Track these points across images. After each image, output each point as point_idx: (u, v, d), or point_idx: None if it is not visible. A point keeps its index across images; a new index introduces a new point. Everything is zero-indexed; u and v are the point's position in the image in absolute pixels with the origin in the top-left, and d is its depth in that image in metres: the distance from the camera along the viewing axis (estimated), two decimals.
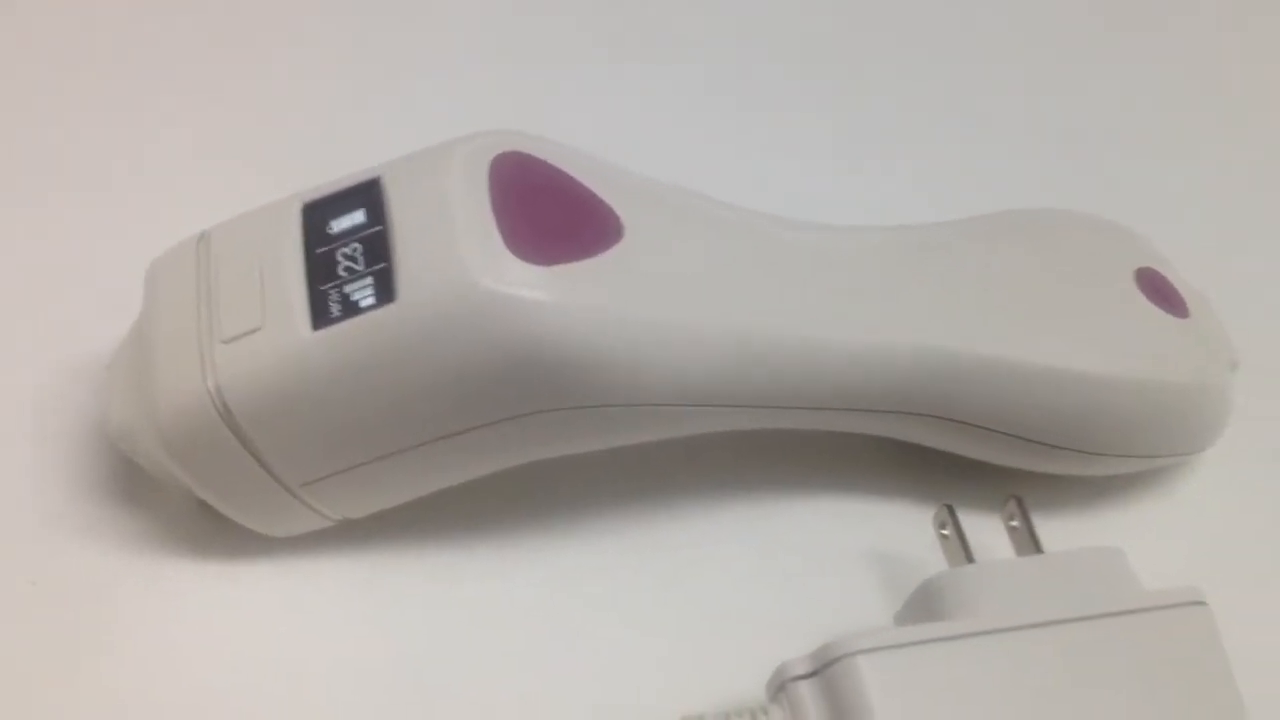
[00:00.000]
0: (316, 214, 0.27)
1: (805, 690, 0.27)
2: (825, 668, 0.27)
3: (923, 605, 0.29)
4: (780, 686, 0.27)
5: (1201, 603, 0.29)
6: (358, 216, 0.27)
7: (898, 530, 0.32)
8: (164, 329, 0.27)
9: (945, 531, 0.31)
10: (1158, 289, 0.33)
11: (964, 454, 0.32)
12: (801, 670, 0.27)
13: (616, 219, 0.27)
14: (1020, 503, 0.31)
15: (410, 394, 0.26)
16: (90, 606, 0.29)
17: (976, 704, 0.27)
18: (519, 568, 0.30)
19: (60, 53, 0.40)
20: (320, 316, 0.26)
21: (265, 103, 0.40)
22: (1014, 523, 0.31)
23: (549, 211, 0.27)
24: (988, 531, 0.31)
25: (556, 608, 0.30)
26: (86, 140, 0.38)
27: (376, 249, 0.26)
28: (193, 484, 0.27)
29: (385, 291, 0.25)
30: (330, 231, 0.27)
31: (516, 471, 0.30)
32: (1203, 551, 0.33)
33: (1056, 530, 0.30)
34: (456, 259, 0.25)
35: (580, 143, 0.29)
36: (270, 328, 0.26)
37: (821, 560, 0.32)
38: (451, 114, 0.37)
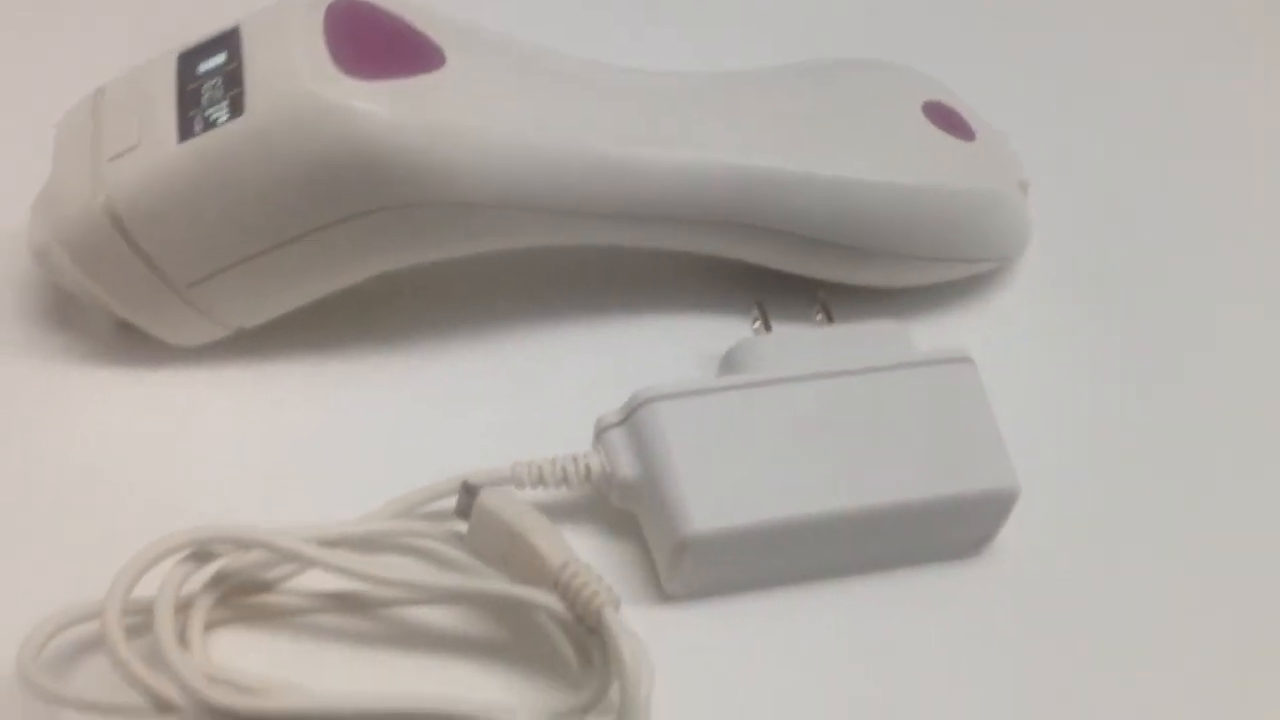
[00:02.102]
0: (189, 60, 0.33)
1: (616, 436, 0.32)
2: (631, 414, 0.32)
3: (725, 369, 0.34)
4: (598, 435, 0.32)
5: (968, 359, 0.33)
6: (220, 58, 0.32)
7: (715, 333, 0.36)
8: (65, 160, 0.32)
9: (756, 325, 0.36)
10: (944, 118, 0.38)
11: (779, 266, 0.37)
12: (614, 420, 0.32)
13: (439, 49, 0.33)
14: (823, 294, 0.36)
15: (262, 194, 0.31)
16: (23, 412, 0.34)
17: (761, 444, 0.31)
18: (387, 373, 0.36)
19: None
20: (185, 132, 0.31)
21: None
22: (819, 317, 0.36)
23: (376, 41, 0.32)
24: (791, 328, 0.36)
25: (417, 403, 0.35)
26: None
27: (233, 79, 0.31)
28: (99, 291, 0.33)
29: (237, 108, 0.31)
30: (198, 72, 0.32)
31: (380, 290, 0.35)
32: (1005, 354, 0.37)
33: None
34: (292, 75, 0.30)
35: None
36: (145, 144, 0.31)
37: (647, 360, 0.36)
38: None
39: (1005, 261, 0.39)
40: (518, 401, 0.35)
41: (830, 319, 0.36)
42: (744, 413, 0.32)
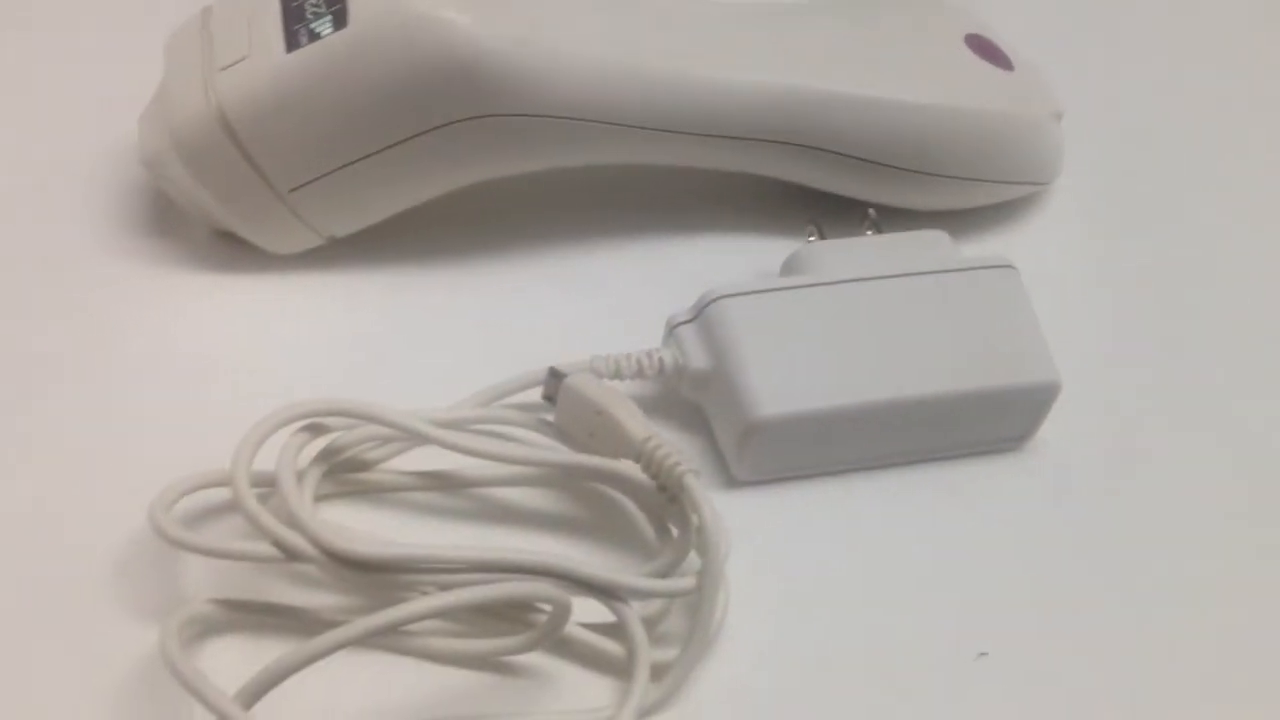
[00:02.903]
0: None
1: (686, 331, 0.35)
2: (701, 311, 0.34)
3: (785, 273, 0.37)
4: (670, 332, 0.35)
5: (1011, 266, 0.36)
6: None
7: (774, 251, 0.38)
8: (177, 71, 0.35)
9: (811, 238, 0.38)
10: (984, 50, 0.41)
11: (831, 188, 0.39)
12: (684, 317, 0.35)
13: None
14: (872, 212, 0.38)
15: (362, 101, 0.33)
16: (130, 309, 0.37)
17: (821, 339, 0.34)
18: (467, 281, 0.38)
19: None
20: (292, 43, 0.33)
21: None
22: (868, 231, 0.38)
23: None
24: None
25: (490, 312, 0.38)
26: None
27: None
28: (206, 196, 0.35)
29: (340, 22, 0.33)
30: None
31: (462, 206, 0.38)
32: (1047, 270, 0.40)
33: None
34: None
35: None
36: (255, 55, 0.34)
37: (715, 277, 0.38)
38: None
39: (1040, 186, 0.42)
40: (586, 307, 0.38)
41: (876, 224, 0.38)
42: (805, 310, 0.34)
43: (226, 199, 0.35)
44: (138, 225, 0.38)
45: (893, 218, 0.39)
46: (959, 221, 0.40)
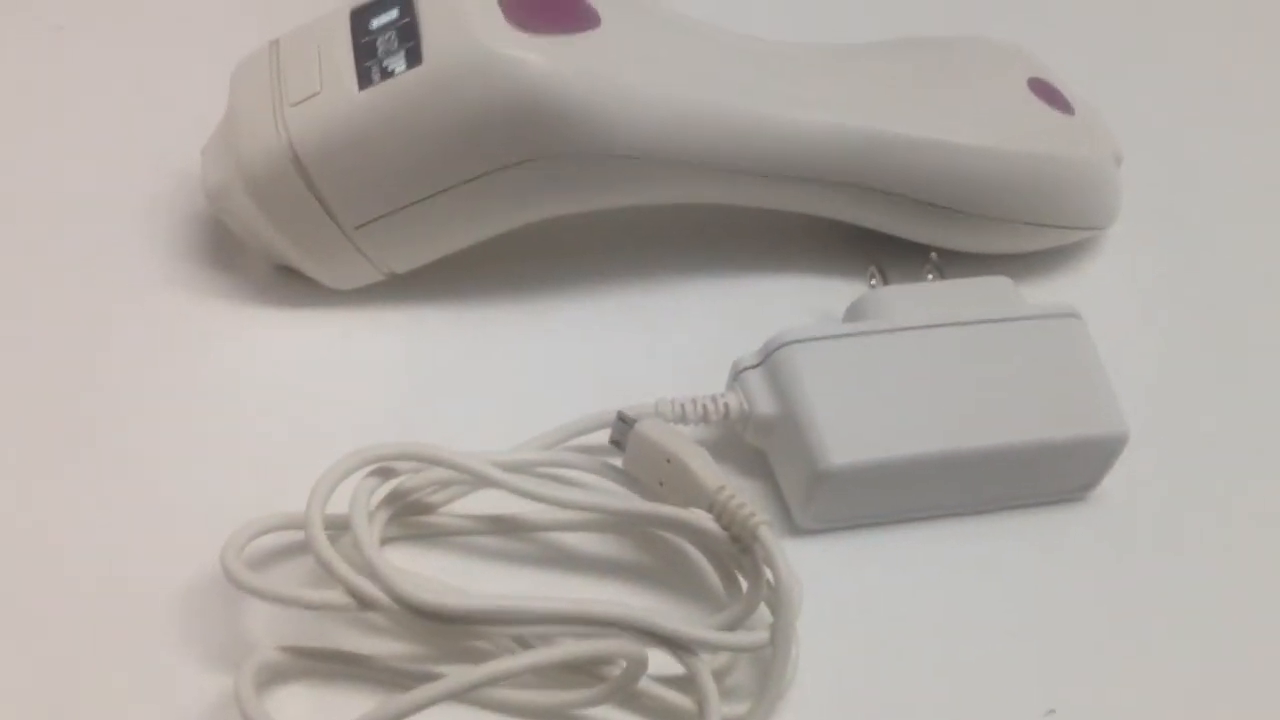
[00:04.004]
0: (361, 16, 0.35)
1: (753, 377, 0.34)
2: (768, 357, 0.34)
3: (850, 318, 0.36)
4: (735, 376, 0.35)
5: (1077, 315, 0.36)
6: (393, 14, 0.34)
7: (835, 293, 0.39)
8: (246, 104, 0.35)
9: (874, 281, 0.38)
10: (1047, 94, 0.40)
11: (892, 230, 0.39)
12: (750, 362, 0.35)
13: (594, 10, 0.35)
14: (934, 256, 0.38)
15: (434, 140, 0.33)
16: (192, 344, 0.36)
17: (888, 386, 0.34)
18: (528, 318, 0.38)
19: None
20: (365, 80, 0.33)
21: None
22: (930, 275, 0.38)
23: (540, 2, 0.34)
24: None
25: (565, 345, 0.37)
26: None
27: (407, 33, 0.34)
28: (271, 231, 0.35)
29: (414, 59, 0.33)
30: (371, 27, 0.34)
31: (523, 243, 0.37)
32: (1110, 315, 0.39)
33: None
34: (466, 29, 0.33)
35: None
36: (327, 91, 0.33)
37: (773, 315, 0.38)
38: None
39: (1098, 230, 0.41)
40: (647, 346, 0.38)
41: (939, 268, 0.38)
42: (872, 357, 0.34)
43: (291, 233, 0.35)
44: (198, 257, 0.38)
45: (953, 260, 0.38)
46: (1017, 264, 0.40)
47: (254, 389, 0.35)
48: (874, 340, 0.34)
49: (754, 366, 0.34)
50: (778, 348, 0.34)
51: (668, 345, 0.38)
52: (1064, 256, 0.41)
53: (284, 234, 0.35)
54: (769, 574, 0.30)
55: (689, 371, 0.36)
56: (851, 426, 0.33)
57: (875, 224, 0.39)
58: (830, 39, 0.41)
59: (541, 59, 0.33)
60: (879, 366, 0.34)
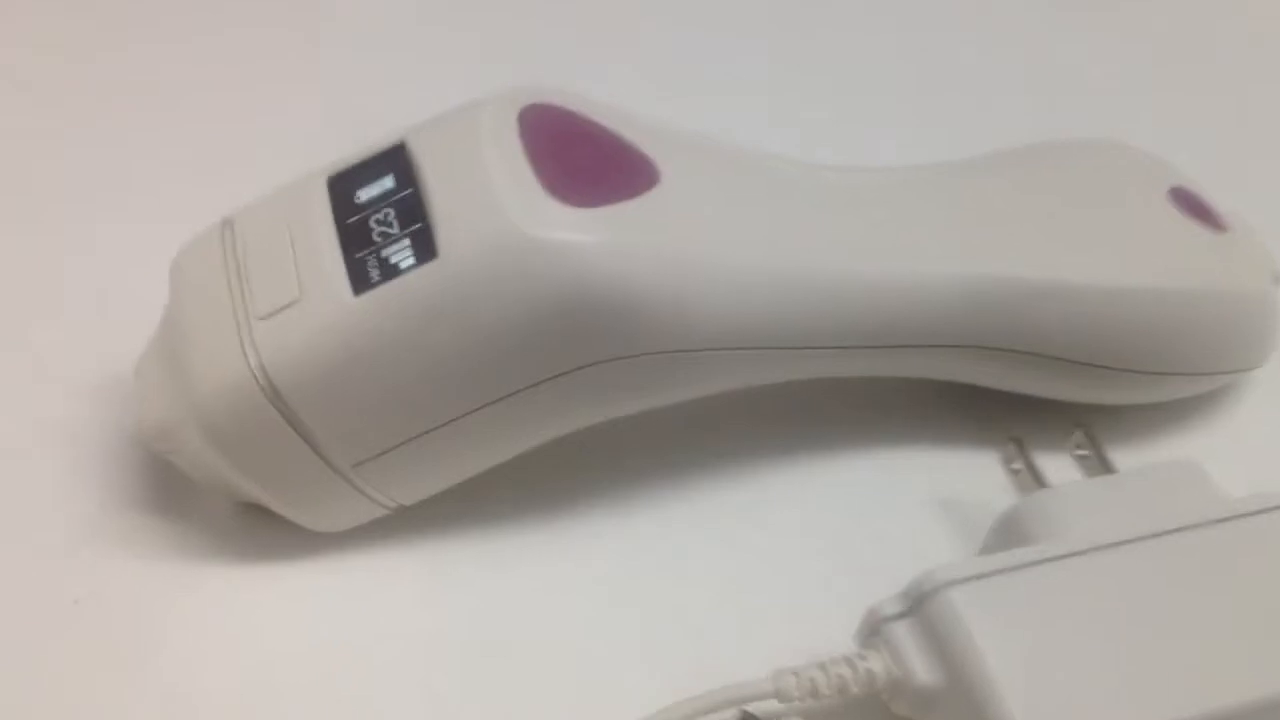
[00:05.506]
0: (342, 185, 0.26)
1: (902, 630, 0.26)
2: (919, 605, 0.26)
3: (1005, 535, 0.28)
4: (874, 630, 0.26)
5: None
6: (386, 183, 0.26)
7: (959, 474, 0.31)
8: (197, 315, 0.26)
9: (1016, 466, 0.30)
10: (1193, 206, 0.33)
11: (1019, 389, 0.31)
12: (894, 610, 0.26)
13: (651, 163, 0.27)
14: (1087, 430, 0.30)
15: (462, 353, 0.25)
16: (135, 623, 0.27)
17: (1076, 626, 0.25)
18: (579, 543, 0.29)
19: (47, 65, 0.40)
20: (360, 282, 0.25)
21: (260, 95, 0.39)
22: (1081, 451, 0.30)
23: (583, 158, 0.26)
24: (1053, 469, 0.30)
25: (623, 581, 0.29)
26: (83, 153, 0.37)
27: (410, 211, 0.25)
28: (238, 477, 0.26)
29: (425, 250, 0.24)
30: (358, 201, 0.26)
31: (564, 445, 0.29)
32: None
33: (1123, 463, 0.29)
34: (496, 207, 0.24)
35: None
36: (309, 299, 0.25)
37: (887, 511, 0.31)
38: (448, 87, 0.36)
39: (1255, 368, 0.34)
40: (726, 570, 0.29)
41: (1099, 452, 0.30)
42: (1055, 595, 0.26)
43: (262, 476, 0.26)
44: (130, 500, 0.29)
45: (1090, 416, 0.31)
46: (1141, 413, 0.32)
47: (231, 677, 0.26)
48: (1053, 571, 0.26)
49: (900, 617, 0.26)
50: (930, 593, 0.26)
51: (749, 563, 0.29)
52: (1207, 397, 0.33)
53: (254, 477, 0.26)
54: None
55: (790, 594, 0.28)
56: (1052, 699, 0.24)
57: (994, 383, 0.31)
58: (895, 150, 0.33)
59: (599, 242, 0.24)
60: (1070, 607, 0.26)
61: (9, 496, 0.29)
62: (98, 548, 0.28)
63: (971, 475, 0.31)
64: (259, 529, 0.28)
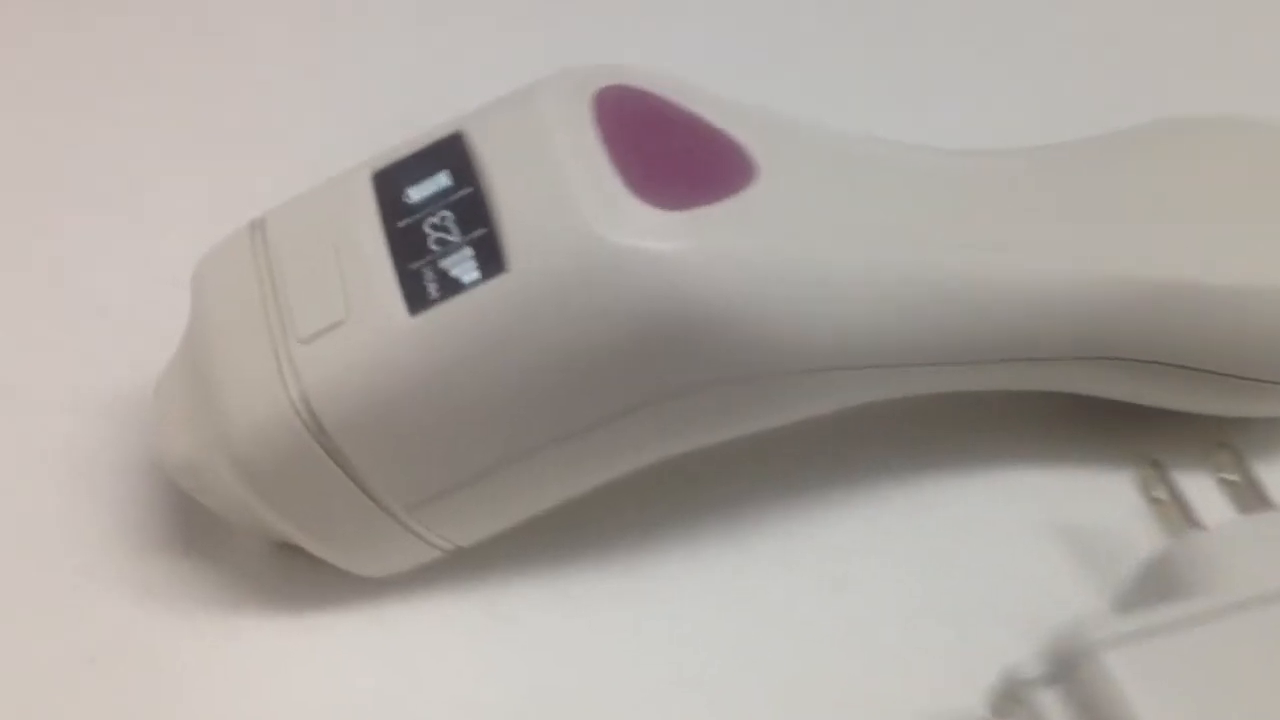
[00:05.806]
0: (390, 182, 0.23)
1: (1048, 699, 0.22)
2: (1067, 670, 0.22)
3: (1158, 583, 0.25)
4: (1012, 696, 0.23)
5: None
6: (441, 179, 0.22)
7: (1084, 500, 0.28)
8: (226, 335, 0.22)
9: (1158, 494, 0.26)
10: None
11: (1154, 403, 0.28)
12: (1036, 673, 0.23)
13: (747, 155, 0.23)
14: (1234, 452, 0.27)
15: (535, 381, 0.21)
16: (157, 682, 0.24)
17: (1255, 689, 0.22)
18: (659, 585, 0.26)
19: (55, 64, 0.36)
20: (416, 299, 0.21)
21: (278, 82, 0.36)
22: (1227, 475, 0.27)
23: (671, 150, 0.23)
24: (1193, 493, 0.26)
25: (704, 629, 0.26)
26: (91, 153, 0.34)
27: (472, 214, 0.22)
28: (275, 518, 0.23)
29: (492, 261, 0.21)
30: (409, 201, 0.22)
31: (642, 471, 0.25)
32: None
33: (1276, 487, 0.26)
34: (573, 211, 0.21)
35: None
36: (357, 319, 0.21)
37: (1009, 541, 0.27)
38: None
39: None
40: (820, 615, 0.26)
41: (1248, 476, 0.26)
42: (1223, 652, 0.22)
43: (303, 519, 0.23)
44: (156, 541, 0.26)
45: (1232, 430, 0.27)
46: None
47: None
48: (1220, 628, 0.22)
49: (1045, 683, 0.22)
50: (1081, 655, 0.22)
51: (855, 605, 0.26)
52: None
53: (295, 522, 0.23)
54: None
55: (903, 641, 0.25)
56: None
57: (1133, 398, 0.28)
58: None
59: (694, 249, 0.21)
60: (1233, 664, 0.22)
61: (10, 538, 0.26)
62: (114, 597, 0.25)
63: (1098, 501, 0.27)
64: (296, 573, 0.25)
